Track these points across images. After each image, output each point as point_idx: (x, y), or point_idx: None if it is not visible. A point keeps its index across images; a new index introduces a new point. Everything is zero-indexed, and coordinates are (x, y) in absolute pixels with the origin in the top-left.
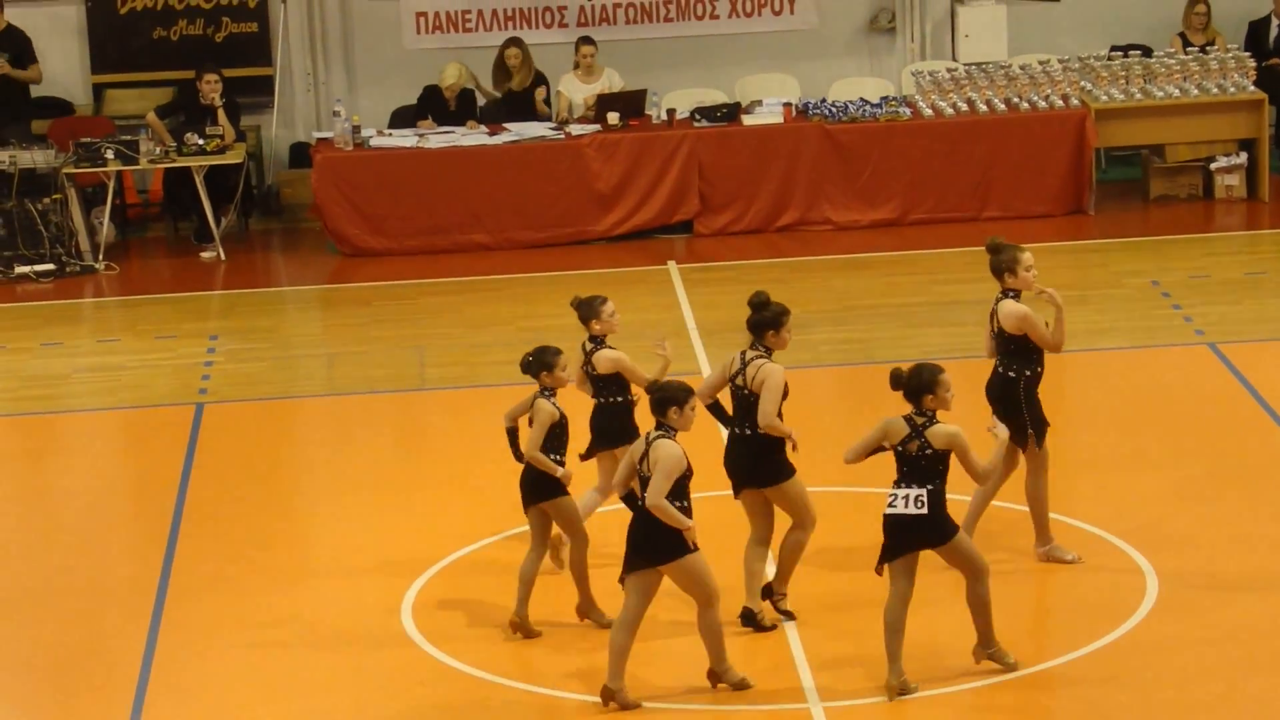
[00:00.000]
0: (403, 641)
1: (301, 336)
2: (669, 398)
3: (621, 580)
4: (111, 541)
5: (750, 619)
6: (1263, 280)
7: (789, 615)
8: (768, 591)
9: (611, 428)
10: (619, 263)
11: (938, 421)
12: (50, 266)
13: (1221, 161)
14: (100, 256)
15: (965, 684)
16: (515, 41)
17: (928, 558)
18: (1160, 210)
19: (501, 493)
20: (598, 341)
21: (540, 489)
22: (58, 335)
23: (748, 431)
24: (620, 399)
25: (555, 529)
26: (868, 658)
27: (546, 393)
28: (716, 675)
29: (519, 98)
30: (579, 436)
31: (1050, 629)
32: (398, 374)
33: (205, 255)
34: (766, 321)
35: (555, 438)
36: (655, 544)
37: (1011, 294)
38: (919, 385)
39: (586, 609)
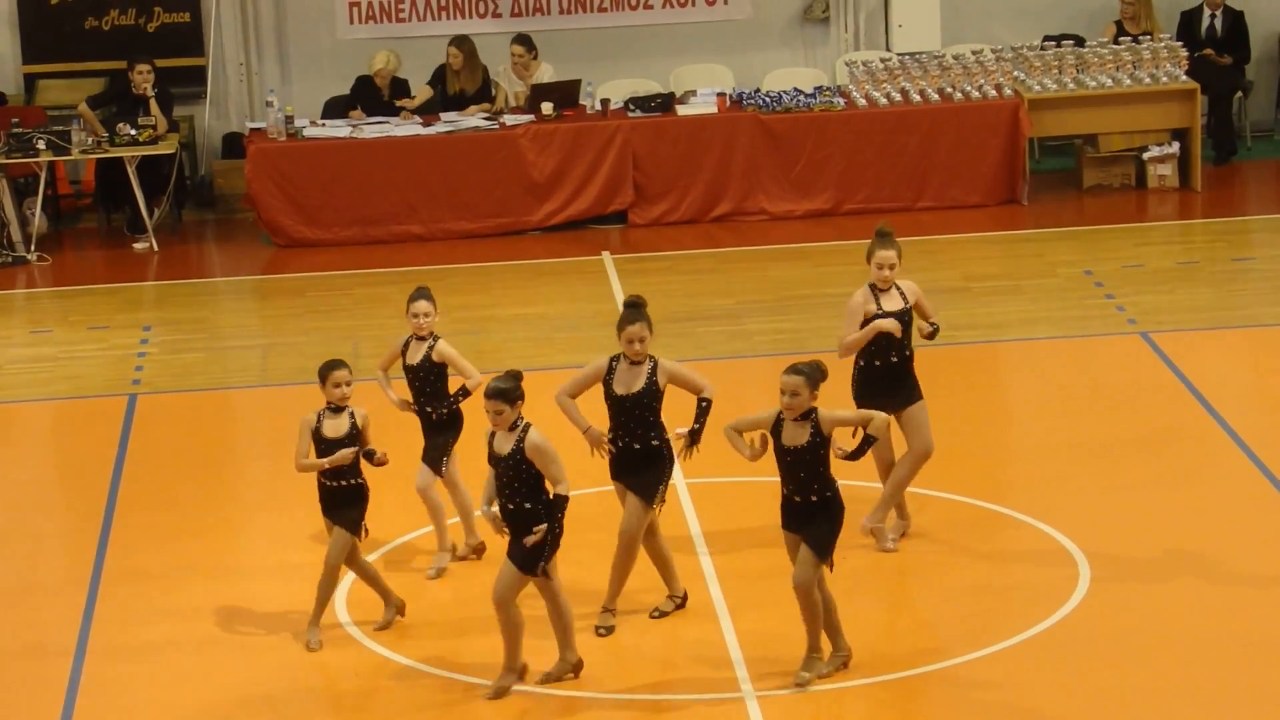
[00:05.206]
0: (337, 632)
1: (235, 327)
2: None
3: None
4: (44, 533)
5: None
6: (1195, 270)
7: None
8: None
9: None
10: (554, 253)
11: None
12: None
13: (1154, 151)
14: (32, 247)
15: (895, 674)
16: (458, 41)
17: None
18: (1093, 200)
19: None
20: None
21: None
22: None
23: None
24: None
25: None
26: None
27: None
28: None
29: (468, 101)
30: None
31: (983, 618)
32: None
33: (138, 246)
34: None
35: None
36: None
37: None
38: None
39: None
